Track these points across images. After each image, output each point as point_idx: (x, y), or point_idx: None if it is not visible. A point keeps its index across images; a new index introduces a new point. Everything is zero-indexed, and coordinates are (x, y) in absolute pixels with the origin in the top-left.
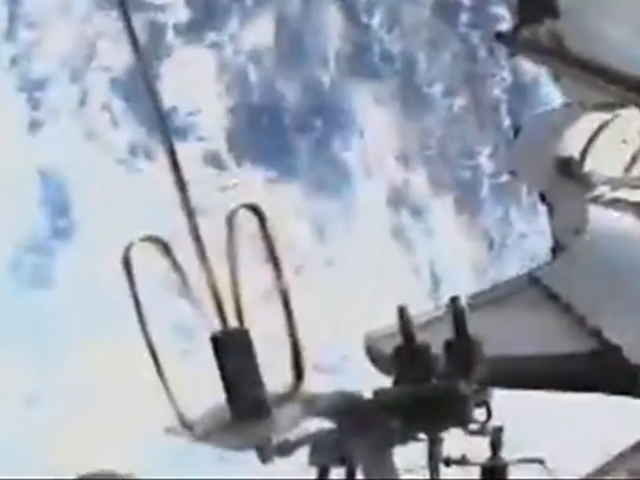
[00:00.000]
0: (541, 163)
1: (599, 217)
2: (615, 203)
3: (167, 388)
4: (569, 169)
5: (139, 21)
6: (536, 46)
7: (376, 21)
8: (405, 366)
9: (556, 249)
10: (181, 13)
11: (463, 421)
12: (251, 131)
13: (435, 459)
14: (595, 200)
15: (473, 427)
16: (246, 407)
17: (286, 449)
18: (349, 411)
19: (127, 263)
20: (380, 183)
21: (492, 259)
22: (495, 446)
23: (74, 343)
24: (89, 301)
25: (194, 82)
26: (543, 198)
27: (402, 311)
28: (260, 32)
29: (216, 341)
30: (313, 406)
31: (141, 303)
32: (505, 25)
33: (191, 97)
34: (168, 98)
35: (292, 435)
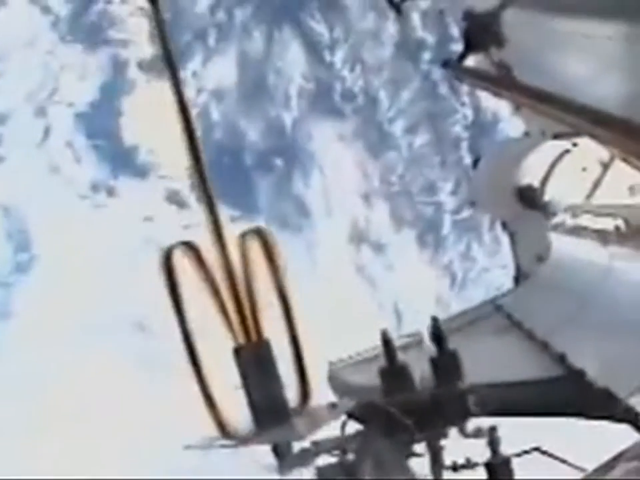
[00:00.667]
0: (501, 191)
1: (561, 244)
2: (576, 231)
3: (208, 397)
4: (529, 198)
5: (102, 56)
6: (482, 74)
7: (338, 59)
8: (390, 383)
9: (518, 277)
10: (145, 49)
11: (465, 414)
12: (212, 169)
13: (437, 465)
14: (557, 227)
15: (469, 429)
16: (267, 415)
17: (305, 458)
18: (372, 413)
19: (167, 266)
20: (342, 220)
21: (455, 292)
22: (494, 444)
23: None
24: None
25: (156, 119)
26: (504, 226)
27: (384, 335)
28: (222, 70)
29: (238, 353)
30: (335, 411)
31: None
32: (468, 62)
33: (153, 134)
34: (130, 135)
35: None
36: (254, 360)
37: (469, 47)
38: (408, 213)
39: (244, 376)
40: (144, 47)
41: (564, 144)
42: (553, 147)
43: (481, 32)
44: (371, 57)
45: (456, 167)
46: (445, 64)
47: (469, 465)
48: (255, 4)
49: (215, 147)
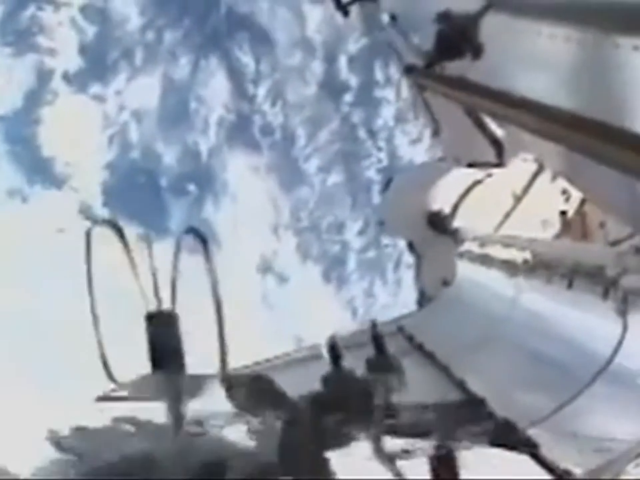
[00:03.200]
0: (411, 214)
1: (468, 272)
2: (483, 259)
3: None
4: (439, 223)
5: (28, 63)
6: (445, 78)
7: (261, 92)
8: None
9: (422, 301)
10: (71, 60)
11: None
12: (126, 188)
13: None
14: (464, 255)
15: None
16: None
17: None
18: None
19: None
20: (249, 249)
21: (355, 326)
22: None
23: None
24: None
25: (75, 132)
26: (411, 248)
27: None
28: (145, 91)
29: (149, 319)
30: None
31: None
32: (389, 109)
33: (71, 146)
34: (48, 145)
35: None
36: (160, 325)
37: (442, 54)
38: (315, 249)
39: (150, 338)
40: (71, 58)
41: (478, 173)
42: (466, 175)
43: (457, 37)
44: (294, 94)
45: (365, 209)
46: (409, 70)
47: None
48: (185, 28)
49: (131, 166)
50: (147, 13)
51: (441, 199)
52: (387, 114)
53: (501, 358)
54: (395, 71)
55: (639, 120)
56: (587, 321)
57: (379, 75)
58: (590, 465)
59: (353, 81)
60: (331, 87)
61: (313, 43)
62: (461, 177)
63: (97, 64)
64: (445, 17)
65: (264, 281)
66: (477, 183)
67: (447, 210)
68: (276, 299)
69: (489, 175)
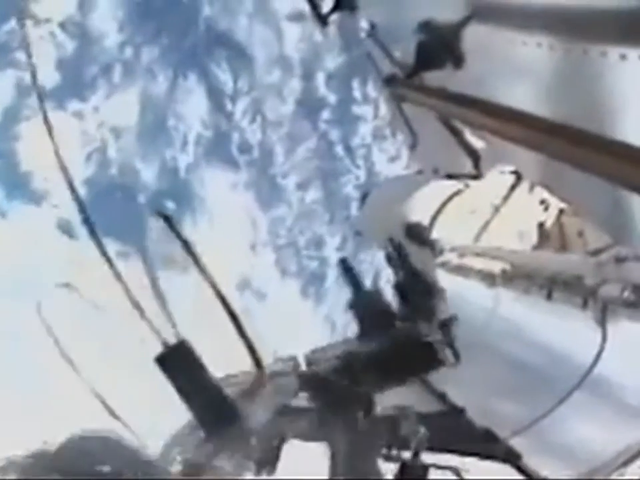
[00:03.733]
0: (389, 225)
1: (447, 282)
2: (462, 270)
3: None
4: (417, 234)
5: (7, 78)
6: (425, 88)
7: (239, 109)
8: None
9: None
10: (49, 76)
11: (434, 365)
12: (105, 203)
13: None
14: (443, 266)
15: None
16: (213, 417)
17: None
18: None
19: None
20: (227, 266)
21: (333, 340)
22: (417, 449)
23: None
24: None
25: (54, 148)
26: (389, 261)
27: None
28: (124, 107)
29: (162, 361)
30: (286, 388)
31: None
32: (367, 126)
33: (50, 162)
34: (26, 161)
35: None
36: (177, 363)
37: (423, 64)
38: (293, 265)
39: (173, 383)
40: (49, 74)
41: (456, 184)
42: (444, 187)
43: (438, 47)
44: (271, 111)
45: (343, 225)
46: (389, 80)
47: (388, 457)
48: (164, 45)
49: (109, 183)
50: (126, 29)
51: (419, 210)
52: (364, 131)
53: (481, 368)
54: (372, 89)
55: (626, 129)
56: (566, 331)
57: (357, 92)
58: (571, 474)
59: (331, 98)
60: (309, 104)
61: (291, 61)
62: (439, 188)
63: (76, 80)
64: (426, 27)
65: (242, 297)
66: (456, 194)
67: (425, 221)
68: (254, 315)
69: (467, 186)
